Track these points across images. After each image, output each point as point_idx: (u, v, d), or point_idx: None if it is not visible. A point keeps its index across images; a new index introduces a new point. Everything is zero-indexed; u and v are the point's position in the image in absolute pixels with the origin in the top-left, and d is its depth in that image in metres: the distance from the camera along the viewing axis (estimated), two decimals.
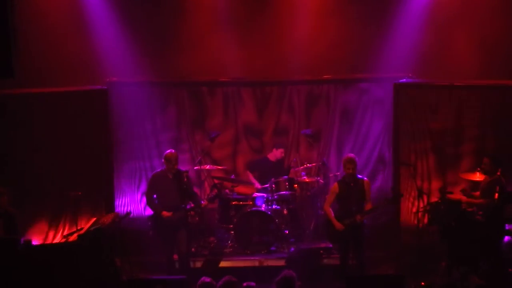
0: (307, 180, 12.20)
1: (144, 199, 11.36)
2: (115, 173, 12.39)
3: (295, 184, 12.08)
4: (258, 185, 12.33)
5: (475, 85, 12.18)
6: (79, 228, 10.40)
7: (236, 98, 13.02)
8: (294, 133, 13.03)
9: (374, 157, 12.73)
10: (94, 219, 10.43)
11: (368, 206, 10.17)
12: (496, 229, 10.05)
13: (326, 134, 12.97)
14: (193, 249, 11.54)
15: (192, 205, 10.65)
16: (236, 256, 11.51)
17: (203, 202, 10.85)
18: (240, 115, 13.03)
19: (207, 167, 12.26)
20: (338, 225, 10.10)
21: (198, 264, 11.25)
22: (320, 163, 12.38)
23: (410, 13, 12.37)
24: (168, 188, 10.52)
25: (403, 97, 12.18)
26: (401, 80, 12.22)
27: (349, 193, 10.17)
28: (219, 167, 12.48)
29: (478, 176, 10.81)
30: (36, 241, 11.53)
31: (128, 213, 11.27)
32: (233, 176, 12.31)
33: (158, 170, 10.70)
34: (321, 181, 12.23)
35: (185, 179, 10.59)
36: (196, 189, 11.57)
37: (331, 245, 11.02)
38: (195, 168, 12.07)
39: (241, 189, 12.43)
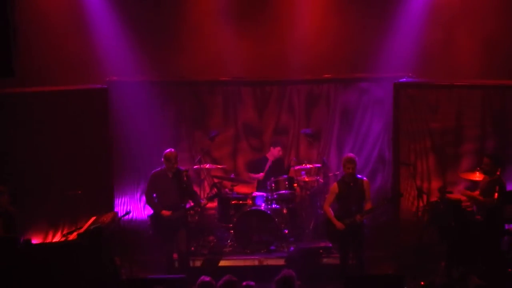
0: (307, 180, 12.21)
1: (144, 198, 11.37)
2: (114, 172, 12.40)
3: (295, 183, 12.08)
4: (259, 176, 12.28)
5: (475, 84, 12.18)
6: (78, 227, 10.39)
7: (236, 97, 13.02)
8: (294, 132, 13.03)
9: (374, 156, 12.73)
10: (94, 218, 10.42)
11: (368, 206, 10.17)
12: (496, 229, 10.05)
13: (326, 133, 12.98)
14: (192, 248, 11.54)
15: (192, 204, 10.65)
16: (235, 255, 11.51)
17: (203, 201, 10.86)
18: (240, 115, 13.03)
19: (207, 166, 12.26)
20: (338, 224, 10.08)
21: (198, 263, 11.26)
22: (320, 163, 12.38)
23: (410, 13, 12.39)
24: (168, 187, 10.52)
25: (403, 96, 12.19)
26: (401, 80, 12.23)
27: (348, 192, 10.17)
28: (219, 166, 12.48)
29: (477, 176, 10.81)
30: (35, 240, 11.54)
31: (127, 212, 11.30)
32: (232, 175, 12.32)
33: (158, 169, 10.69)
34: (320, 180, 12.23)
35: (185, 178, 10.58)
36: (195, 188, 11.57)
37: (330, 245, 11.02)
38: (194, 167, 12.07)
39: (240, 188, 12.44)
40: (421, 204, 11.36)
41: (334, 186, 10.36)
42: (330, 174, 12.38)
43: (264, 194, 11.95)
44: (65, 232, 11.03)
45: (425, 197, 11.30)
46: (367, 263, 10.37)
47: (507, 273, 9.98)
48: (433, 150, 12.18)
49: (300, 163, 12.41)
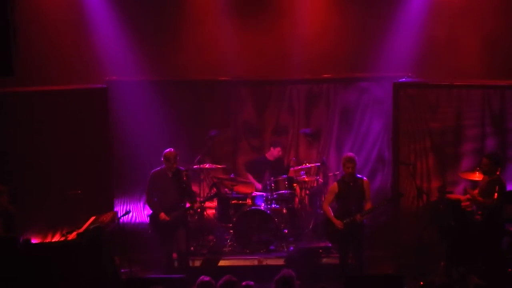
0: (307, 179, 12.21)
1: (143, 197, 11.36)
2: (114, 171, 12.39)
3: (295, 183, 12.08)
4: (259, 186, 12.31)
5: (475, 84, 12.18)
6: (78, 226, 10.38)
7: (236, 97, 13.01)
8: (294, 132, 13.03)
9: (373, 156, 12.73)
10: (93, 217, 10.41)
11: (367, 206, 10.16)
12: (495, 229, 10.04)
13: (326, 133, 12.98)
14: (192, 248, 11.54)
15: (188, 204, 10.64)
16: (235, 255, 11.50)
17: (196, 205, 10.79)
18: (239, 114, 13.03)
19: (207, 166, 12.25)
20: (337, 222, 10.09)
21: (197, 263, 11.26)
22: (320, 163, 12.38)
23: (410, 13, 12.39)
24: (167, 187, 10.52)
25: (403, 96, 12.18)
26: (400, 80, 12.23)
27: (348, 192, 10.16)
28: (219, 166, 12.47)
29: (477, 176, 10.81)
30: (35, 239, 11.54)
31: (127, 212, 11.29)
32: (232, 175, 12.31)
33: (158, 168, 10.69)
34: (320, 180, 12.23)
35: (185, 178, 10.59)
36: (195, 188, 11.56)
37: (330, 245, 11.02)
38: (194, 167, 12.06)
39: (240, 188, 12.43)
40: (420, 204, 11.36)
41: (334, 186, 10.36)
42: (330, 174, 12.37)
43: (264, 194, 11.95)
44: (64, 231, 11.01)
45: (424, 197, 11.29)
46: (367, 263, 10.37)
47: (507, 273, 9.98)
48: (433, 150, 12.18)
49: (299, 163, 12.40)
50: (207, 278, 7.24)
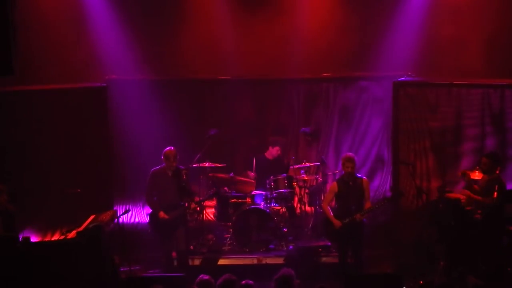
0: (306, 178, 12.20)
1: (143, 196, 11.36)
2: (114, 170, 12.39)
3: (294, 182, 12.08)
4: (252, 175, 12.29)
5: (474, 84, 12.18)
6: (77, 225, 10.38)
7: (235, 96, 13.01)
8: (293, 131, 13.02)
9: (372, 155, 12.75)
10: (93, 216, 10.40)
11: (367, 205, 10.17)
12: (495, 228, 10.04)
13: (325, 132, 12.98)
14: (191, 247, 11.54)
15: (186, 204, 10.63)
16: (234, 254, 11.49)
17: (193, 205, 10.77)
18: (239, 113, 13.03)
19: (206, 164, 12.24)
20: (336, 222, 10.10)
21: (197, 262, 11.24)
22: (319, 162, 12.38)
23: (410, 12, 12.39)
24: (167, 186, 10.52)
25: (403, 95, 12.21)
26: (400, 79, 12.24)
27: (348, 191, 10.17)
28: (218, 165, 12.46)
29: (477, 175, 10.80)
30: (35, 238, 11.54)
31: (127, 211, 11.27)
32: (232, 174, 12.30)
33: (157, 167, 10.69)
34: (320, 179, 12.23)
35: (184, 177, 10.59)
36: (194, 187, 11.56)
37: (329, 244, 11.02)
38: (194, 165, 12.06)
39: (239, 187, 12.43)
40: (420, 203, 11.36)
41: (333, 185, 10.37)
42: (329, 173, 12.38)
43: (263, 192, 11.95)
44: (64, 230, 11.01)
45: (424, 196, 11.29)
46: (366, 262, 10.37)
47: (507, 272, 9.97)
48: (433, 149, 12.19)
49: (299, 162, 12.40)
50: (206, 277, 7.24)
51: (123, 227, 10.79)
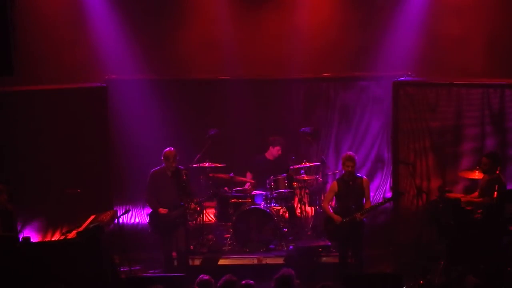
0: (306, 178, 12.20)
1: (143, 196, 11.35)
2: (114, 170, 12.39)
3: (294, 182, 12.08)
4: (250, 179, 12.29)
5: (474, 83, 12.18)
6: (77, 225, 10.38)
7: (236, 96, 12.99)
8: (293, 131, 13.01)
9: (372, 155, 12.76)
10: (93, 216, 10.39)
11: (367, 205, 10.18)
12: (495, 228, 10.03)
13: (325, 132, 12.98)
14: (191, 247, 11.53)
15: (186, 205, 10.62)
16: (234, 254, 11.50)
17: (192, 205, 10.77)
18: (239, 113, 13.01)
19: (206, 164, 12.23)
20: (336, 218, 10.12)
21: (197, 262, 11.26)
22: (319, 162, 12.38)
23: (409, 12, 12.39)
24: (167, 186, 10.52)
25: (402, 95, 12.19)
26: (400, 78, 12.23)
27: (348, 191, 10.18)
28: (218, 165, 12.45)
29: (477, 175, 10.81)
30: (35, 238, 11.53)
31: (127, 210, 11.28)
32: (232, 174, 12.29)
33: (157, 167, 10.69)
34: (320, 179, 12.22)
35: (184, 177, 10.59)
36: (194, 187, 11.56)
37: (330, 243, 11.03)
38: (193, 165, 12.05)
39: (240, 186, 12.42)
40: (420, 203, 11.35)
41: (333, 184, 10.38)
42: (329, 173, 12.37)
43: (264, 192, 11.95)
44: (64, 230, 11.01)
45: (424, 196, 11.29)
46: (366, 262, 10.38)
47: (507, 272, 9.96)
48: (433, 149, 12.18)
49: (299, 162, 12.39)
50: (206, 277, 7.24)
51: (123, 227, 10.80)
